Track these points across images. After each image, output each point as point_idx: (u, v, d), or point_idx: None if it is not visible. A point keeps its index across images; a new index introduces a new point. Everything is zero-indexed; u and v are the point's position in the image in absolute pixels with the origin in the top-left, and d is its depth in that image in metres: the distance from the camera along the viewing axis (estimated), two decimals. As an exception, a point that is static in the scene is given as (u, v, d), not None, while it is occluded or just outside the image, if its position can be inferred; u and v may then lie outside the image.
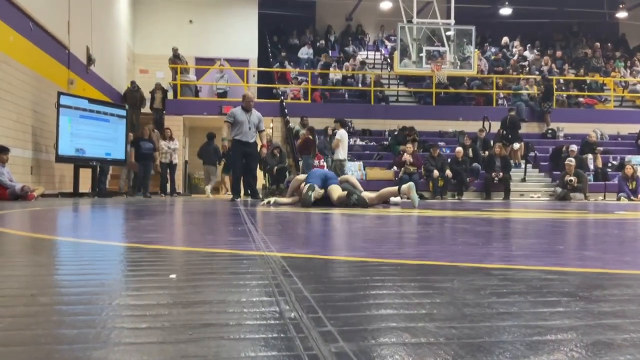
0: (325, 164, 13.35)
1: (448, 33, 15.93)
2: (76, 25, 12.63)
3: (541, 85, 17.79)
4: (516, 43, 22.20)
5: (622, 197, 13.34)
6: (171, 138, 14.29)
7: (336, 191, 6.73)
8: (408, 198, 6.89)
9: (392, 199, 7.39)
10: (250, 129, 9.20)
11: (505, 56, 21.03)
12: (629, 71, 21.53)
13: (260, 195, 10.09)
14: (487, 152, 14.78)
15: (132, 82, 16.50)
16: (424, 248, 2.45)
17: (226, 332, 0.96)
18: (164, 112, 16.37)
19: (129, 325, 1.02)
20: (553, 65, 20.58)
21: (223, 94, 17.64)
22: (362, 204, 6.37)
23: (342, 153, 12.90)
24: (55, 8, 11.55)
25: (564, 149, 14.84)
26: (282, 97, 17.27)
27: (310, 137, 13.60)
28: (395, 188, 7.16)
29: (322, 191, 6.69)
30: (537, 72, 19.58)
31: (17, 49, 9.64)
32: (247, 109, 9.27)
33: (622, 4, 23.21)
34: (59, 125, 10.85)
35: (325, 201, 6.72)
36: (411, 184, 6.94)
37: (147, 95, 16.68)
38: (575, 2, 23.31)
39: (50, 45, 11.24)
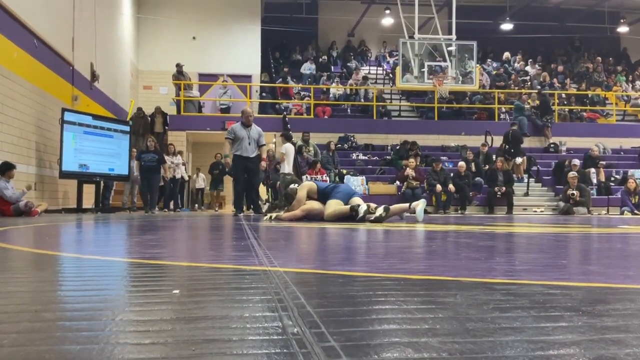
0: (328, 178, 13.37)
1: (450, 48, 16.02)
2: (80, 42, 12.74)
3: (538, 99, 17.84)
4: (518, 58, 22.30)
5: (625, 211, 13.30)
6: (175, 153, 14.33)
7: (358, 202, 6.77)
8: (413, 212, 6.86)
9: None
10: (250, 144, 9.23)
11: (507, 71, 21.11)
12: (630, 85, 21.58)
13: (264, 210, 10.10)
14: (487, 166, 14.81)
15: (139, 109, 16.43)
16: (427, 263, 2.44)
17: (229, 348, 0.97)
18: (165, 135, 16.24)
19: (132, 341, 1.02)
20: (555, 80, 20.65)
21: (226, 110, 17.72)
22: (379, 220, 6.37)
23: (287, 167, 12.90)
24: (60, 25, 11.67)
25: (566, 163, 14.84)
26: (284, 113, 17.33)
27: None
28: (407, 205, 7.12)
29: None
30: (539, 87, 19.66)
31: (21, 65, 9.72)
32: (246, 125, 9.31)
33: (623, 18, 23.33)
34: (63, 141, 10.91)
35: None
36: (424, 200, 6.96)
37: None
38: (576, 17, 23.45)
39: (55, 62, 11.33)
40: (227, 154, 9.41)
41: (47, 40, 10.80)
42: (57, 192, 11.64)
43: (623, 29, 23.43)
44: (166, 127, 16.29)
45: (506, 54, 22.24)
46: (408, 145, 15.54)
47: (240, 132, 9.24)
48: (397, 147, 15.86)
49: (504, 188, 13.85)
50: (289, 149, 13.04)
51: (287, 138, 13.49)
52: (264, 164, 10.12)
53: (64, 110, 11.00)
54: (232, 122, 11.73)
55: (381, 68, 22.41)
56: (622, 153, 17.34)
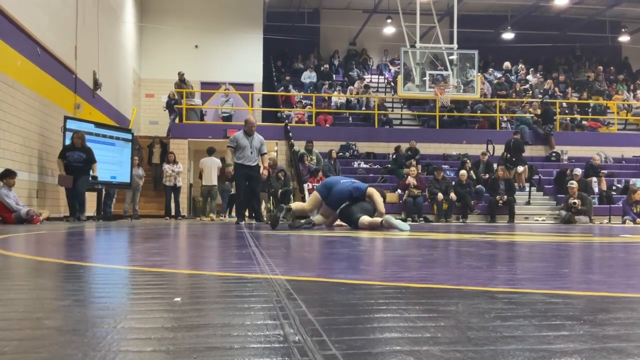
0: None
1: (451, 57, 16.06)
2: (83, 50, 12.79)
3: (541, 108, 17.85)
4: (520, 67, 22.32)
5: (627, 221, 13.27)
6: (175, 162, 14.36)
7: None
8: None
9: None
10: (252, 152, 9.27)
11: (509, 80, 21.14)
12: (632, 94, 21.59)
13: (265, 218, 10.08)
14: (487, 175, 14.80)
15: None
16: (429, 271, 2.44)
17: (230, 356, 0.96)
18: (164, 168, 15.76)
19: (133, 349, 1.02)
20: (556, 89, 20.67)
21: (228, 118, 17.76)
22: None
23: (205, 179, 14.37)
24: (63, 33, 11.71)
25: (568, 172, 14.82)
26: (286, 121, 17.37)
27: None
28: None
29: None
30: (539, 96, 19.67)
31: (24, 73, 9.75)
32: (249, 133, 9.35)
33: (624, 27, 23.39)
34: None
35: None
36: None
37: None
38: (577, 26, 23.50)
39: (58, 70, 11.36)
40: (229, 162, 9.43)
41: (50, 48, 10.84)
42: (59, 200, 11.64)
43: (624, 38, 23.50)
44: (164, 161, 15.72)
45: (506, 64, 22.26)
46: (405, 152, 15.54)
47: (242, 140, 9.27)
48: (394, 156, 15.85)
49: (505, 197, 13.84)
50: (202, 162, 14.38)
51: (208, 152, 14.50)
52: (265, 172, 10.12)
53: (66, 118, 11.02)
54: (234, 131, 11.78)
55: (383, 76, 22.46)
56: (623, 162, 17.34)
